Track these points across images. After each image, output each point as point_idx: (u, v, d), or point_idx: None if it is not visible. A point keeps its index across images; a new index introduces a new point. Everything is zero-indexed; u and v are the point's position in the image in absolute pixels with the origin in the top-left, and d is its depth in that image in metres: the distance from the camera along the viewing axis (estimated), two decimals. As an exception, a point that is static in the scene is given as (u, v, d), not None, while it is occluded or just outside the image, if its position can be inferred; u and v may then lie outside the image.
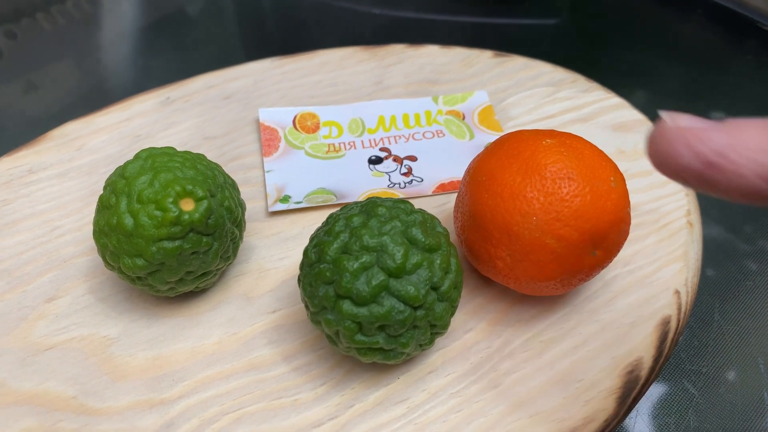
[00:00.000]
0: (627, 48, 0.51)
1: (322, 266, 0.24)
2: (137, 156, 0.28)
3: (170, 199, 0.26)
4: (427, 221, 0.26)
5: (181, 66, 0.52)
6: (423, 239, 0.24)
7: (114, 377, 0.28)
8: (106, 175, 0.35)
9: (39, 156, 0.36)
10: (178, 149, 0.33)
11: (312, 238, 0.26)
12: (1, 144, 0.43)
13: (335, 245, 0.24)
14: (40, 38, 0.56)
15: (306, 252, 0.26)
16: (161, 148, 0.28)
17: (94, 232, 0.27)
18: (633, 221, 0.33)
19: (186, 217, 0.26)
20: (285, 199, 0.33)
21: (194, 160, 0.28)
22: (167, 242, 0.26)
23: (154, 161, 0.27)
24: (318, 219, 0.33)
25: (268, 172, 0.35)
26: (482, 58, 0.42)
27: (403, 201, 0.26)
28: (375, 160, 0.36)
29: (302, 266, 0.26)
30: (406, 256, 0.24)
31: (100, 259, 0.31)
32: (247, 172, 0.35)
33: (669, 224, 0.33)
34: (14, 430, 0.26)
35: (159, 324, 0.29)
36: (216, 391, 0.27)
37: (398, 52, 0.42)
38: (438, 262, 0.24)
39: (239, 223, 0.29)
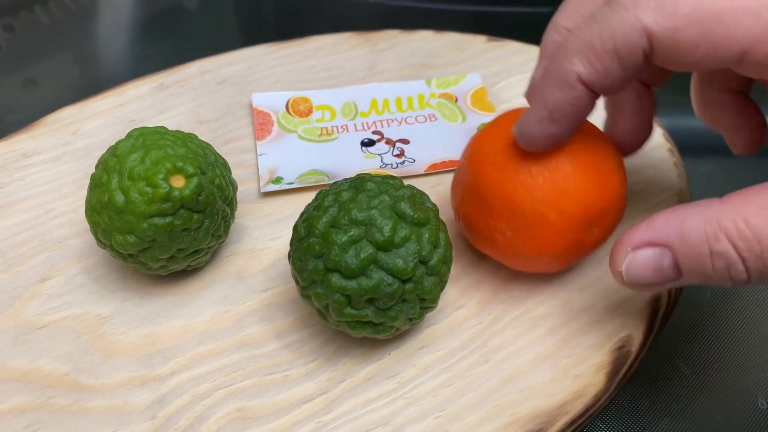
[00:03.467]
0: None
1: (311, 240, 0.25)
2: (129, 135, 0.28)
3: (161, 176, 0.26)
4: (416, 196, 0.26)
5: (178, 56, 0.52)
6: (411, 213, 0.24)
7: (106, 354, 0.28)
8: (100, 159, 0.35)
9: (34, 141, 0.36)
10: (172, 132, 0.33)
11: (302, 214, 0.26)
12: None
13: (324, 219, 0.25)
14: (38, 31, 0.56)
15: (296, 227, 0.26)
16: (153, 127, 0.29)
17: (86, 210, 0.27)
18: (624, 201, 0.33)
19: (176, 193, 0.26)
20: (277, 180, 0.34)
21: (185, 138, 0.28)
22: (158, 219, 0.26)
23: (146, 139, 0.27)
24: (310, 200, 0.33)
25: (261, 155, 0.35)
26: (475, 42, 0.42)
27: (392, 177, 0.26)
28: (367, 143, 0.36)
29: (292, 242, 0.26)
30: (394, 229, 0.24)
31: (93, 240, 0.32)
32: (240, 155, 0.35)
33: (660, 204, 0.33)
34: (7, 406, 0.26)
35: (151, 303, 0.29)
36: (208, 368, 0.27)
37: (391, 38, 0.42)
38: (426, 236, 0.25)
39: (230, 202, 0.29)
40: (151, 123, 0.37)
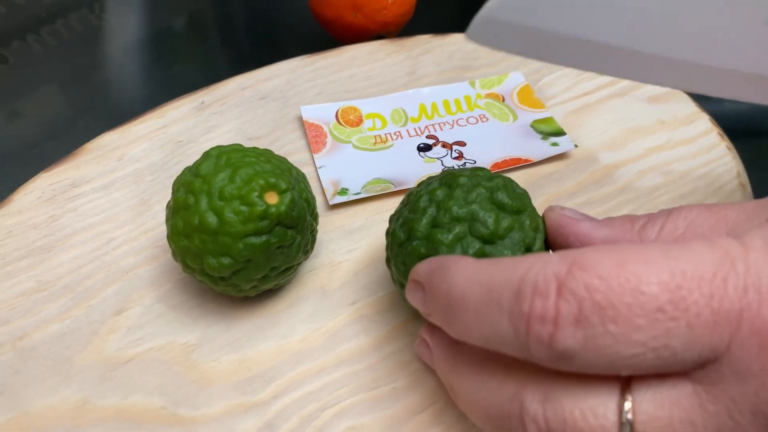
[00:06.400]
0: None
1: (414, 243, 0.24)
2: (207, 155, 0.27)
3: (255, 193, 0.25)
4: (508, 184, 0.25)
5: (169, 81, 0.50)
6: (510, 202, 0.24)
7: (202, 384, 0.27)
8: (154, 183, 0.34)
9: (79, 169, 0.34)
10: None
11: (395, 218, 0.26)
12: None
13: (425, 221, 0.24)
14: (31, 61, 0.54)
15: (393, 233, 0.25)
16: (229, 145, 0.28)
17: (172, 235, 0.26)
18: (686, 187, 0.34)
19: (273, 210, 0.25)
20: (343, 191, 0.33)
21: (266, 154, 0.27)
22: (254, 237, 0.25)
23: (229, 158, 0.26)
24: (379, 209, 0.33)
25: (320, 168, 0.34)
26: (509, 42, 0.42)
27: (480, 168, 0.26)
28: (424, 148, 0.35)
29: (390, 247, 0.26)
30: (497, 221, 0.24)
31: (162, 268, 0.30)
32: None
33: (722, 187, 0.34)
34: (107, 447, 0.25)
35: (238, 326, 0.28)
36: (310, 388, 0.26)
37: (425, 42, 0.42)
38: (528, 222, 0.24)
39: (315, 216, 0.28)
40: (200, 143, 0.36)
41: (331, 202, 0.32)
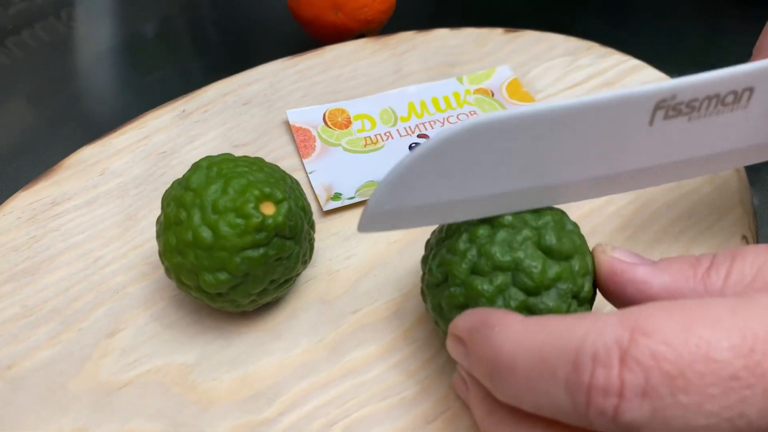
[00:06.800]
0: (621, 16, 0.52)
1: (452, 290, 0.22)
2: (197, 166, 0.26)
3: (251, 205, 0.24)
4: (558, 221, 0.23)
5: (143, 88, 0.48)
6: (559, 247, 0.22)
7: (203, 405, 0.26)
8: (139, 197, 0.33)
9: (59, 186, 0.33)
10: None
11: (431, 253, 0.24)
12: None
13: (464, 266, 0.22)
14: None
15: (429, 270, 0.24)
16: (219, 155, 0.27)
17: (164, 252, 0.25)
18: (682, 175, 0.33)
19: (270, 221, 0.24)
20: (336, 196, 0.32)
21: (258, 163, 0.26)
22: (251, 251, 0.24)
23: (220, 168, 0.25)
24: (374, 213, 0.32)
25: (311, 173, 0.33)
26: (494, 35, 0.41)
27: None
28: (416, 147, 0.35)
29: (426, 283, 0.24)
30: (544, 271, 0.22)
31: (154, 286, 0.29)
32: (287, 175, 0.34)
33: (716, 178, 0.33)
34: (108, 478, 0.24)
35: (237, 342, 0.27)
36: (317, 403, 0.26)
37: (409, 39, 0.41)
38: (577, 268, 0.22)
39: (312, 224, 0.27)
40: (184, 153, 0.35)
41: (325, 208, 0.32)
